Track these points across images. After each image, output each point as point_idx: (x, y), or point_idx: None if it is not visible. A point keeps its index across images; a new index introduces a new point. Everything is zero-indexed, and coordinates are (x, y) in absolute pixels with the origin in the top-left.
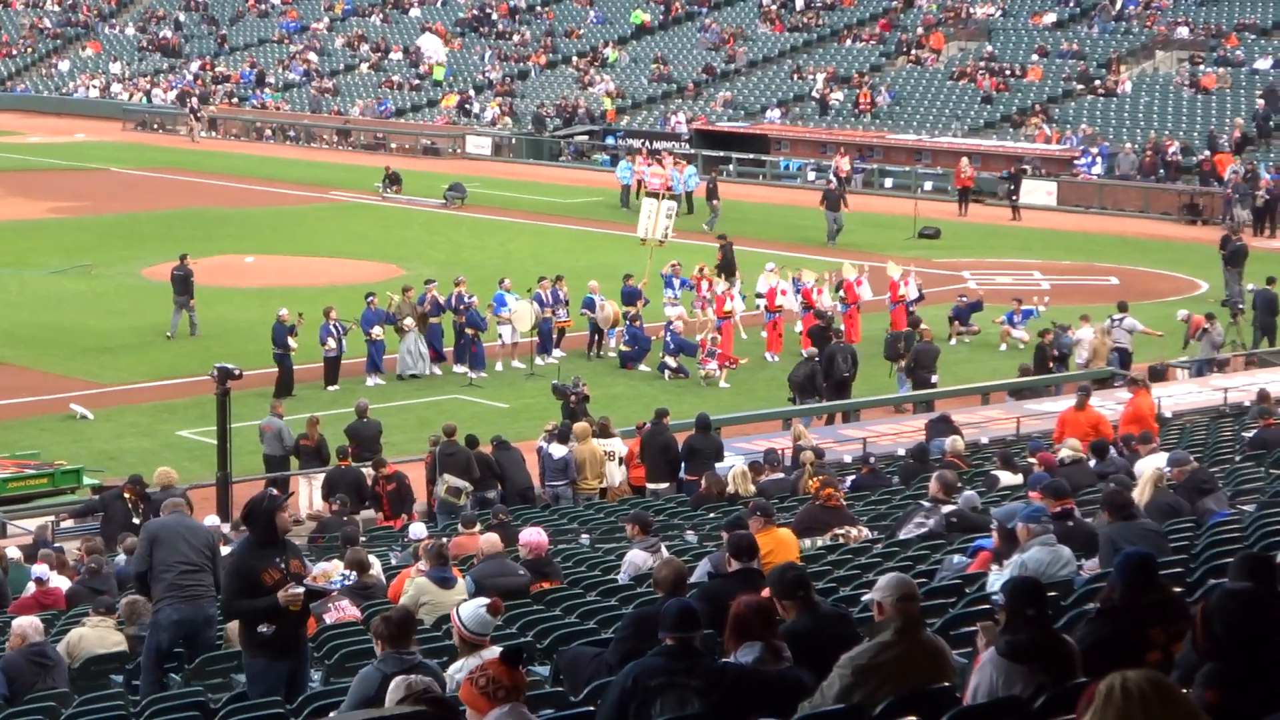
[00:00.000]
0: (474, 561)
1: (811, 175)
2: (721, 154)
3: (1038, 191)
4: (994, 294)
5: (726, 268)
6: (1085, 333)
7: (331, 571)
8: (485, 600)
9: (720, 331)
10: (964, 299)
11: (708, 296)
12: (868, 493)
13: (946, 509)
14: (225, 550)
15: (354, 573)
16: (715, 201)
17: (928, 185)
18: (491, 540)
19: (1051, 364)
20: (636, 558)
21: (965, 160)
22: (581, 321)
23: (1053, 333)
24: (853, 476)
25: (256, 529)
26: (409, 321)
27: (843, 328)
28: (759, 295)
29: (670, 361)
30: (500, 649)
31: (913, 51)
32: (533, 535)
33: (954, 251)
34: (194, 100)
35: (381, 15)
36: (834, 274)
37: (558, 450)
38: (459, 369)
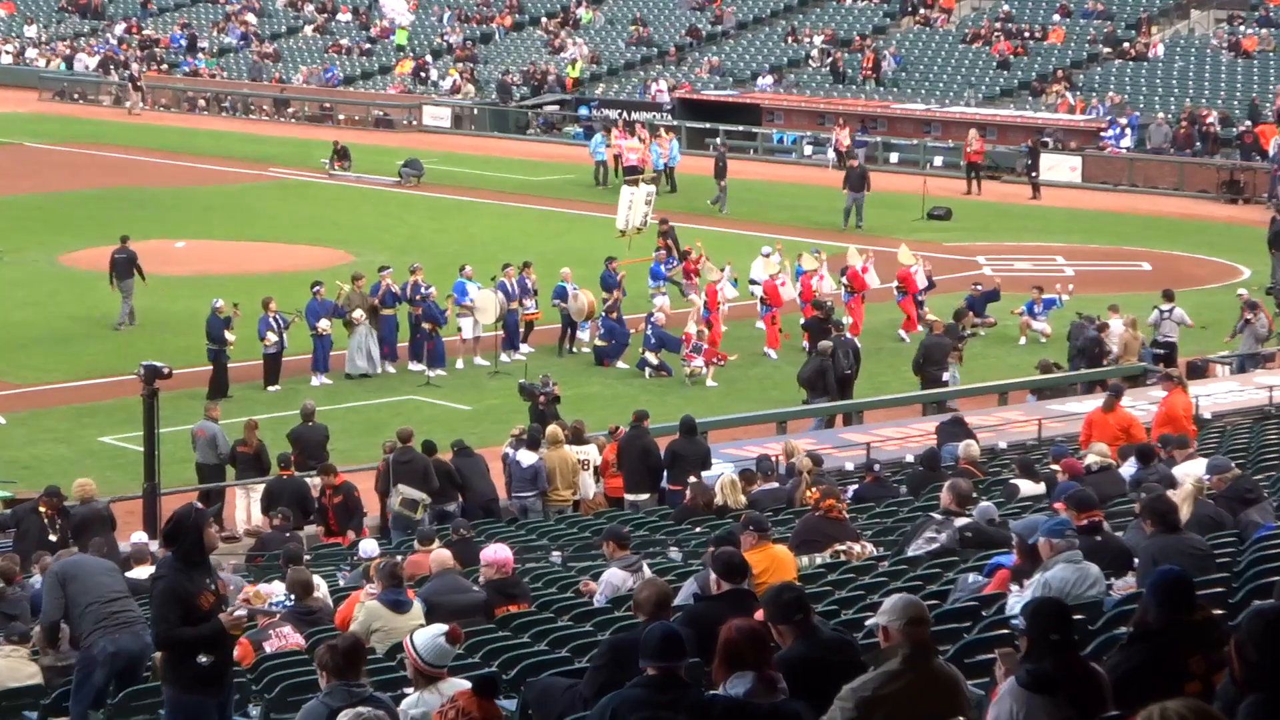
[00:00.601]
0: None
1: (809, 149)
2: (708, 126)
3: (1060, 167)
4: (1012, 281)
5: (671, 249)
6: (1114, 324)
7: (271, 594)
8: (443, 627)
9: (708, 324)
10: (979, 287)
11: (697, 282)
12: (872, 504)
13: (960, 522)
14: (142, 572)
15: (296, 595)
16: (723, 181)
17: (938, 160)
18: (441, 557)
19: (1105, 360)
20: (614, 577)
21: (974, 132)
22: (552, 313)
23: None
24: (855, 486)
25: (183, 547)
26: (359, 314)
27: (846, 319)
28: (753, 283)
29: (651, 358)
30: (468, 680)
31: (921, 11)
32: (498, 553)
33: (967, 234)
34: (134, 67)
35: None
36: (822, 258)
37: (525, 457)
38: (415, 367)
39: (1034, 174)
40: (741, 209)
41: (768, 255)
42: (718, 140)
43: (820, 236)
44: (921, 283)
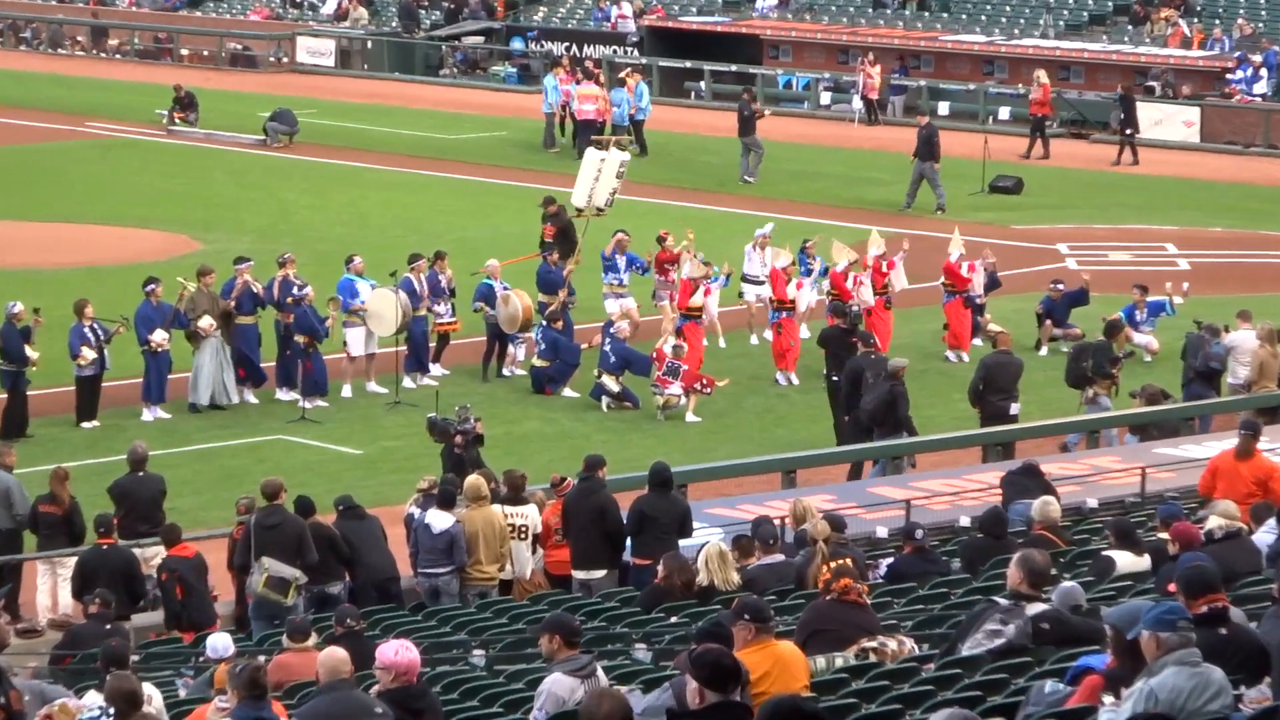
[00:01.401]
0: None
1: (826, 97)
2: (689, 64)
3: (1171, 122)
4: (1105, 279)
5: (565, 244)
6: (1244, 338)
7: (83, 708)
8: None
9: (685, 337)
10: (1059, 286)
11: (675, 281)
12: (913, 584)
13: (1034, 609)
14: None
15: (119, 710)
16: (752, 137)
17: (1003, 113)
18: (333, 661)
19: (1233, 387)
20: (558, 686)
21: (1041, 74)
22: (475, 321)
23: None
24: (889, 560)
25: None
26: (208, 322)
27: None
28: (747, 280)
29: (610, 383)
30: None
31: None
32: (399, 652)
33: (1043, 213)
34: None
35: None
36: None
37: (437, 520)
38: (285, 395)
39: (1129, 131)
40: (728, 180)
41: (764, 236)
42: (742, 92)
43: (846, 217)
44: (978, 280)
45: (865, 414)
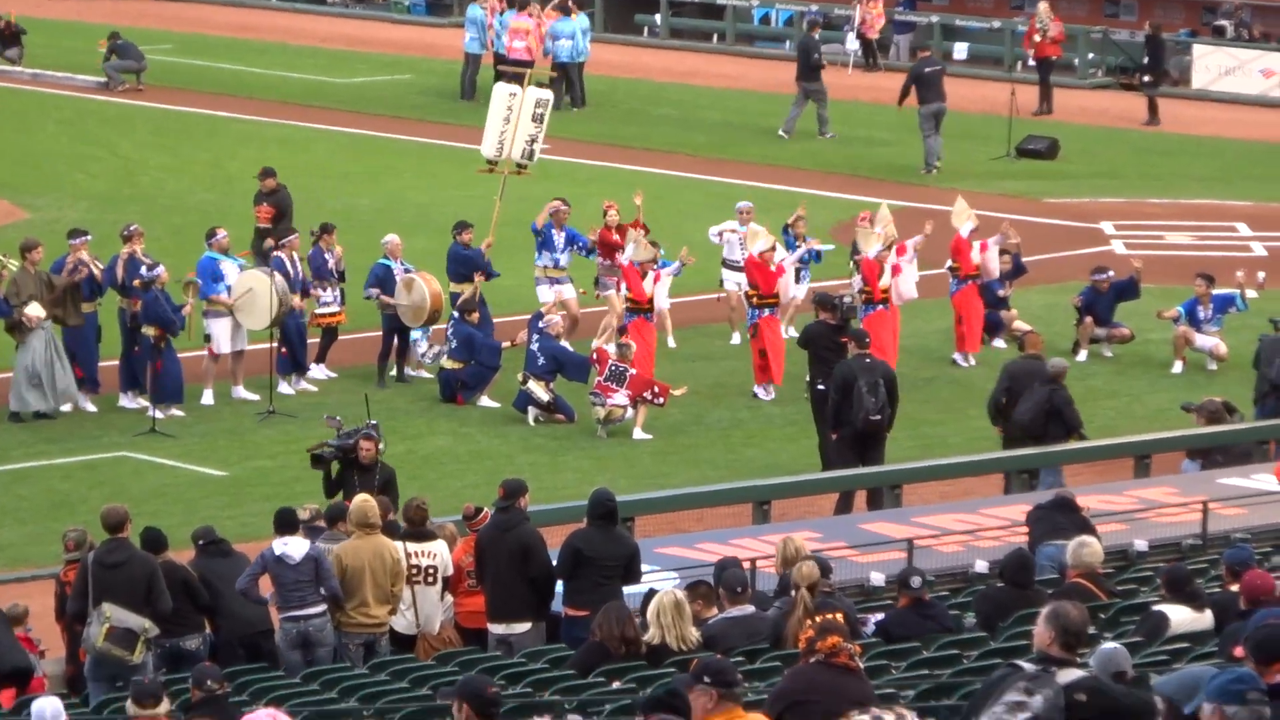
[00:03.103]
0: None
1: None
2: None
3: (1246, 71)
4: (1158, 265)
5: (280, 220)
6: None
7: None
8: None
9: (630, 335)
10: (1105, 275)
11: (623, 261)
12: (915, 643)
13: (1068, 677)
14: None
15: None
16: (815, 85)
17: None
18: None
19: None
20: None
21: (1044, 7)
22: (368, 311)
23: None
24: (878, 617)
25: None
26: (36, 310)
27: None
28: (728, 265)
29: (539, 390)
30: None
31: None
32: None
33: (1084, 184)
34: None
35: None
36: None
37: (294, 548)
38: (130, 401)
39: (1150, 78)
40: (696, 137)
41: (744, 215)
42: (806, 27)
43: (837, 185)
44: (991, 263)
45: (1020, 427)
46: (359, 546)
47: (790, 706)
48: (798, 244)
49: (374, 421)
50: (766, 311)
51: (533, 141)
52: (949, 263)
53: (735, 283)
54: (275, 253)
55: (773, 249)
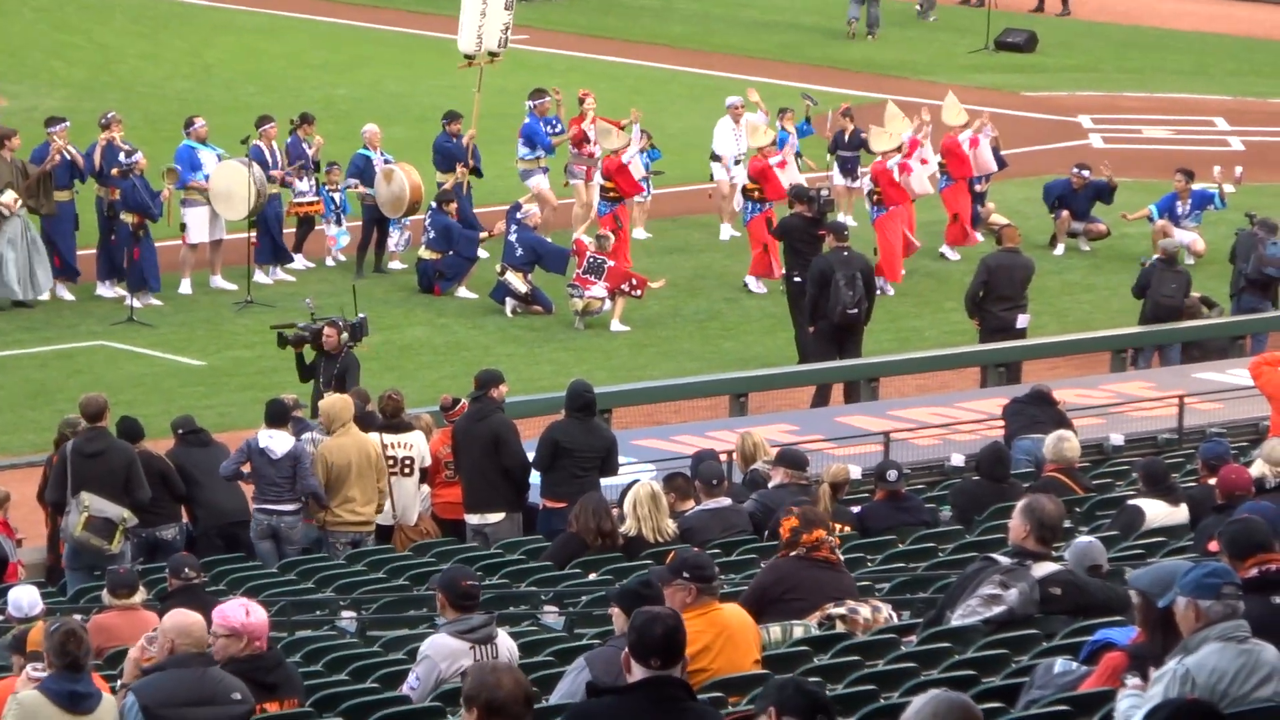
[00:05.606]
0: (141, 664)
1: None
2: None
3: None
4: (1137, 160)
5: None
6: None
7: None
8: None
9: (610, 225)
10: (1082, 172)
11: (595, 152)
12: (891, 537)
13: (1042, 570)
14: None
15: None
16: None
17: None
18: (184, 624)
19: None
20: (437, 649)
21: None
22: (348, 202)
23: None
24: (857, 509)
25: None
26: (10, 197)
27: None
28: (716, 158)
29: (516, 281)
30: None
31: None
32: (249, 612)
33: (1062, 77)
34: None
35: None
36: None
37: (278, 443)
38: (109, 291)
39: None
40: (674, 27)
41: (735, 109)
42: None
43: (821, 78)
44: (985, 156)
45: (1168, 310)
46: (344, 444)
47: (770, 602)
48: (789, 134)
49: (364, 315)
50: (764, 206)
51: (506, 29)
52: (938, 159)
53: (723, 174)
54: (254, 141)
55: (773, 143)
